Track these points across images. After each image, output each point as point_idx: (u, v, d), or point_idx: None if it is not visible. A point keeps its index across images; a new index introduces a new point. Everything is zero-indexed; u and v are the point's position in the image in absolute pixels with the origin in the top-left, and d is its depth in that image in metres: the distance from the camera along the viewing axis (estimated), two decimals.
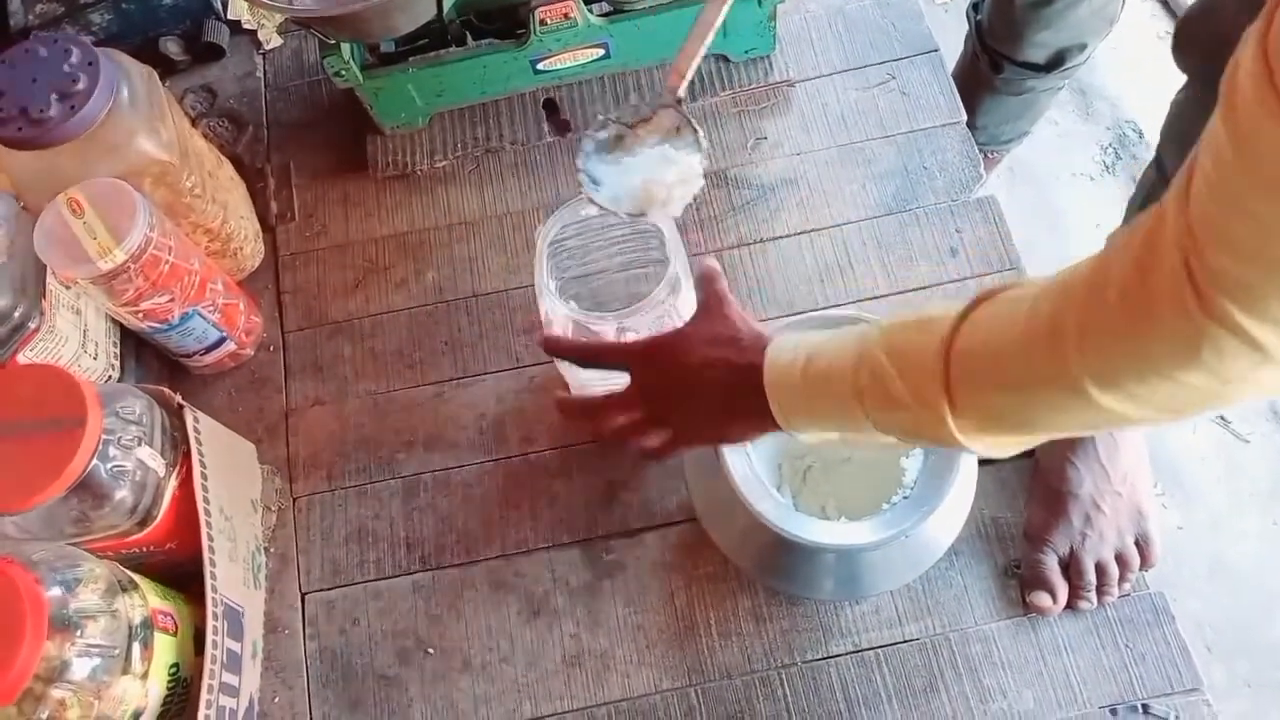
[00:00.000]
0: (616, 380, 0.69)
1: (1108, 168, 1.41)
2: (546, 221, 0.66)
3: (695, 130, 0.64)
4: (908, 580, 0.73)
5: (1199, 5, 0.61)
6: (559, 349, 0.63)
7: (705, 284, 0.62)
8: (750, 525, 0.67)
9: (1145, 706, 0.71)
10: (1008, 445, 0.50)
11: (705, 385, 0.57)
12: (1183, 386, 0.41)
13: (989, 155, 1.13)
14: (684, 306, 0.67)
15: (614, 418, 0.62)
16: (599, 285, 0.77)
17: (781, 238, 0.89)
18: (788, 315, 0.84)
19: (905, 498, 0.67)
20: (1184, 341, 0.39)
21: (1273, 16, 0.32)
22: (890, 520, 0.65)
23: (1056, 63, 1.00)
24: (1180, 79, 0.70)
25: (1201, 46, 0.61)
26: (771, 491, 0.66)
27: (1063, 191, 1.39)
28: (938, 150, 0.92)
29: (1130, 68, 1.44)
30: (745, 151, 0.93)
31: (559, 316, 0.65)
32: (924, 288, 0.86)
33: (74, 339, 0.72)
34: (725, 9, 0.64)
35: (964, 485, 0.69)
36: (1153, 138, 1.42)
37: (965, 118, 0.93)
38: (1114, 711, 0.71)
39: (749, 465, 0.67)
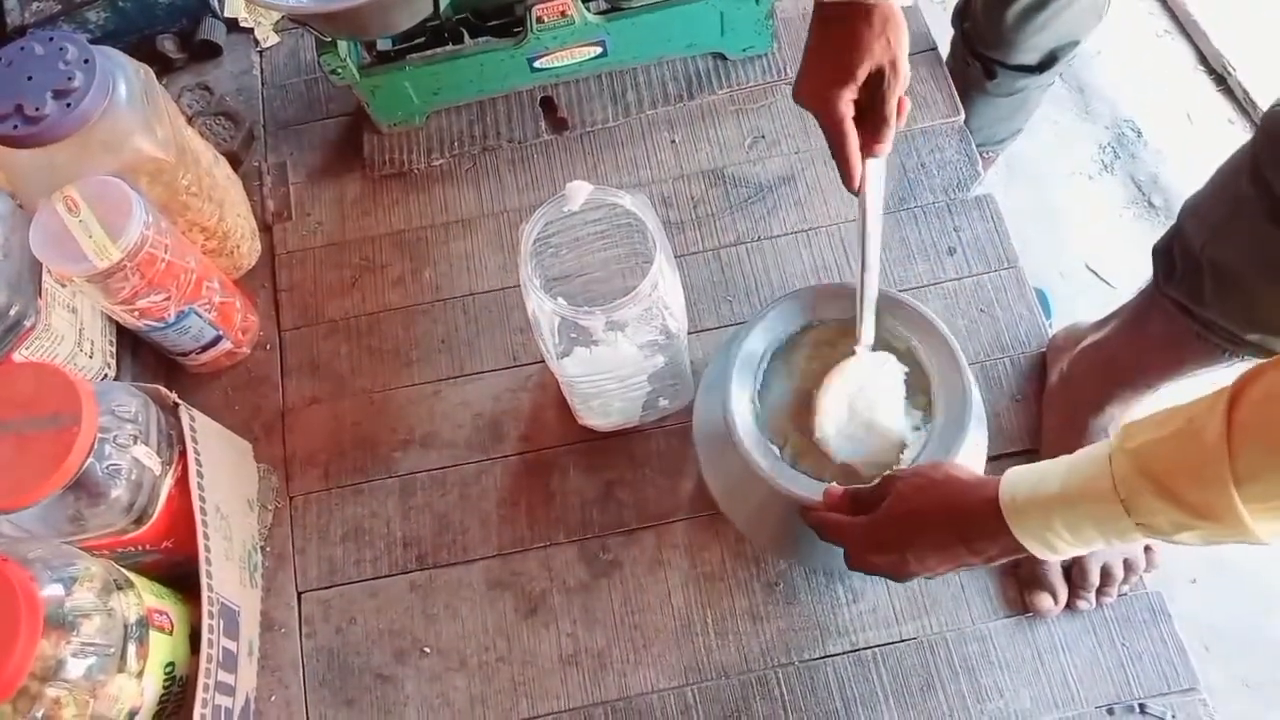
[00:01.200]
0: (604, 376, 0.69)
1: (1106, 167, 1.40)
2: (530, 219, 0.65)
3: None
4: None
5: None
6: (816, 522, 0.62)
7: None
8: (764, 498, 0.67)
9: (1142, 706, 0.71)
10: None
11: (930, 526, 0.57)
12: None
13: (985, 155, 1.12)
14: (670, 298, 0.67)
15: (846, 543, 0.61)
16: (585, 281, 0.77)
17: (778, 236, 0.89)
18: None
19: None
20: None
21: None
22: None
23: (1049, 62, 1.00)
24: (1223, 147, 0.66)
25: None
26: (782, 459, 0.67)
27: (1061, 190, 1.38)
28: (935, 149, 0.91)
29: (1128, 66, 1.44)
30: (743, 150, 0.92)
31: (545, 313, 0.65)
32: (922, 286, 0.86)
33: (70, 337, 0.72)
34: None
35: (972, 453, 0.69)
36: (1151, 136, 1.42)
37: (963, 116, 0.93)
38: (1111, 711, 0.71)
39: (762, 441, 0.67)
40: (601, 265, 0.75)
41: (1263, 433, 0.44)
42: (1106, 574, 0.73)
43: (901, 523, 0.58)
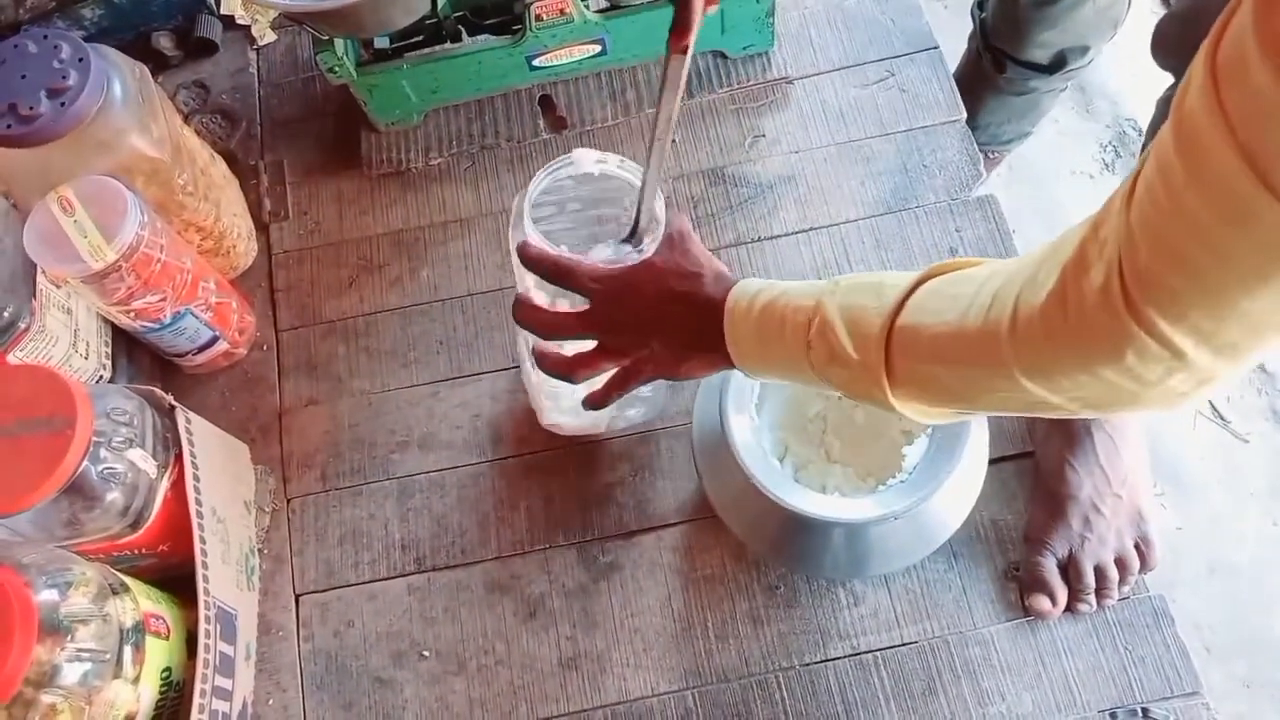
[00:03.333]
0: (575, 346, 0.67)
1: (1108, 166, 1.40)
2: (533, 180, 0.64)
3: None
4: (917, 560, 0.71)
5: (1181, 8, 0.61)
6: (533, 258, 0.61)
7: (672, 220, 0.62)
8: (764, 509, 0.67)
9: (1145, 710, 0.71)
10: (939, 416, 0.53)
11: (667, 317, 0.58)
12: (1106, 385, 0.43)
13: (990, 155, 1.12)
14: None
15: (567, 332, 0.61)
16: (573, 245, 0.76)
17: (779, 236, 0.88)
18: None
19: (911, 475, 0.66)
20: (1110, 343, 0.40)
21: (1221, 34, 0.32)
22: (898, 495, 0.66)
23: (1059, 64, 0.99)
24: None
25: (1180, 48, 0.60)
26: (781, 471, 0.67)
27: (1063, 190, 1.38)
28: (937, 148, 0.91)
29: (1131, 65, 1.43)
30: (743, 149, 0.92)
31: (536, 278, 0.64)
32: None
33: (65, 339, 0.71)
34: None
35: (974, 457, 0.69)
36: None
37: (965, 115, 0.93)
38: (1113, 715, 0.71)
39: (760, 452, 0.67)
40: (588, 225, 0.74)
41: (915, 321, 0.49)
42: (1102, 574, 0.73)
43: (635, 285, 0.58)
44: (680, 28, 0.58)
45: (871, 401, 0.52)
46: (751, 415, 0.69)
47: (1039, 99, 1.06)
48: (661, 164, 0.62)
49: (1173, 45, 0.61)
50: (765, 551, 0.74)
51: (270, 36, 0.99)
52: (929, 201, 0.89)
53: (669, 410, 0.81)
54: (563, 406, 0.74)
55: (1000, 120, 1.09)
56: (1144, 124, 1.42)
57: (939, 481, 0.65)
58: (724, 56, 0.93)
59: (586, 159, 0.63)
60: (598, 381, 0.63)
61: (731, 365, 0.57)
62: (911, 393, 0.51)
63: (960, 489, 0.69)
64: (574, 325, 0.60)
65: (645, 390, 0.74)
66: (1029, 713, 0.71)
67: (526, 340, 0.66)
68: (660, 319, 0.58)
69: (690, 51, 0.59)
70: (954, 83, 0.94)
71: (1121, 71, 1.44)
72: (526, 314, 0.61)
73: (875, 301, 0.50)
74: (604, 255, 0.62)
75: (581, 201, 0.69)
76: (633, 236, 0.64)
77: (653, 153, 0.60)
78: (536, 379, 0.70)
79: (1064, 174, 1.39)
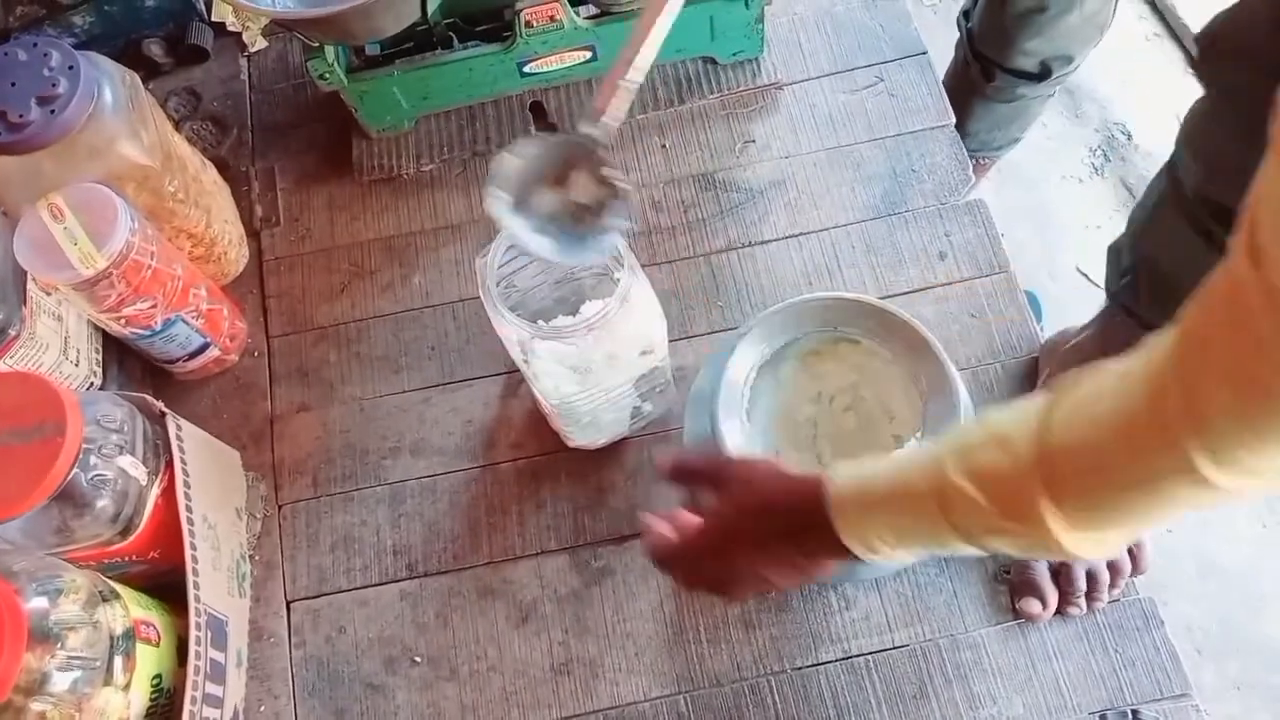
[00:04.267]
0: (597, 392, 0.68)
1: (1096, 170, 1.41)
2: (489, 251, 0.64)
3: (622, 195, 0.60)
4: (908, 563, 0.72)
5: (1227, 20, 0.59)
6: (653, 547, 0.61)
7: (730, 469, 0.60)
8: None
9: (1135, 713, 0.71)
10: (1114, 543, 0.48)
11: (770, 555, 0.56)
12: None
13: (980, 161, 1.13)
14: (643, 305, 0.66)
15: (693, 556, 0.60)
16: (539, 307, 0.76)
17: (770, 241, 0.89)
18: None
19: None
20: None
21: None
22: None
23: (1047, 72, 1.00)
24: (1193, 90, 0.68)
25: (1228, 62, 0.59)
26: None
27: (1052, 193, 1.39)
28: (926, 153, 0.91)
29: (1119, 69, 1.44)
30: (733, 154, 0.92)
31: (523, 339, 0.64)
32: (913, 291, 0.85)
33: (55, 345, 0.71)
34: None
35: None
36: (1142, 139, 1.42)
37: (954, 120, 0.93)
38: (1103, 717, 0.71)
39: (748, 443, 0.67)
40: (564, 276, 0.75)
41: (1071, 444, 0.44)
42: (1093, 578, 0.73)
43: (730, 524, 0.56)
44: None
45: (1045, 555, 0.48)
46: (742, 420, 0.69)
47: (1028, 105, 1.06)
48: (636, 57, 0.60)
49: (1226, 58, 0.59)
50: None
51: (261, 43, 0.99)
52: (918, 206, 0.89)
53: (674, 409, 0.81)
54: (583, 425, 0.75)
55: (989, 127, 1.10)
56: (1132, 127, 1.43)
57: None
58: (714, 62, 0.94)
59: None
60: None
61: (853, 558, 0.53)
62: (1083, 528, 0.45)
63: None
64: (689, 556, 0.59)
65: (660, 385, 0.75)
66: (1020, 715, 0.71)
67: (533, 376, 0.66)
68: (762, 544, 0.56)
69: None
70: (942, 88, 0.94)
71: (1109, 76, 1.45)
72: (649, 542, 0.61)
73: (1007, 456, 0.46)
74: (595, 310, 0.62)
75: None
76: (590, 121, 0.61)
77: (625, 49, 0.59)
78: (552, 410, 0.71)
79: (1054, 178, 1.40)
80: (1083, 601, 0.73)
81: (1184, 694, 0.71)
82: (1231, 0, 0.60)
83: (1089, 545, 0.46)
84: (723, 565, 0.58)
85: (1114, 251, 0.69)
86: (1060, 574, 0.73)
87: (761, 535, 0.56)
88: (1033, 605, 0.73)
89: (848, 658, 0.73)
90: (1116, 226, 1.36)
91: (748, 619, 0.75)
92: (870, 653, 0.73)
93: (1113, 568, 0.74)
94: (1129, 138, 1.42)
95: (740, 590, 0.58)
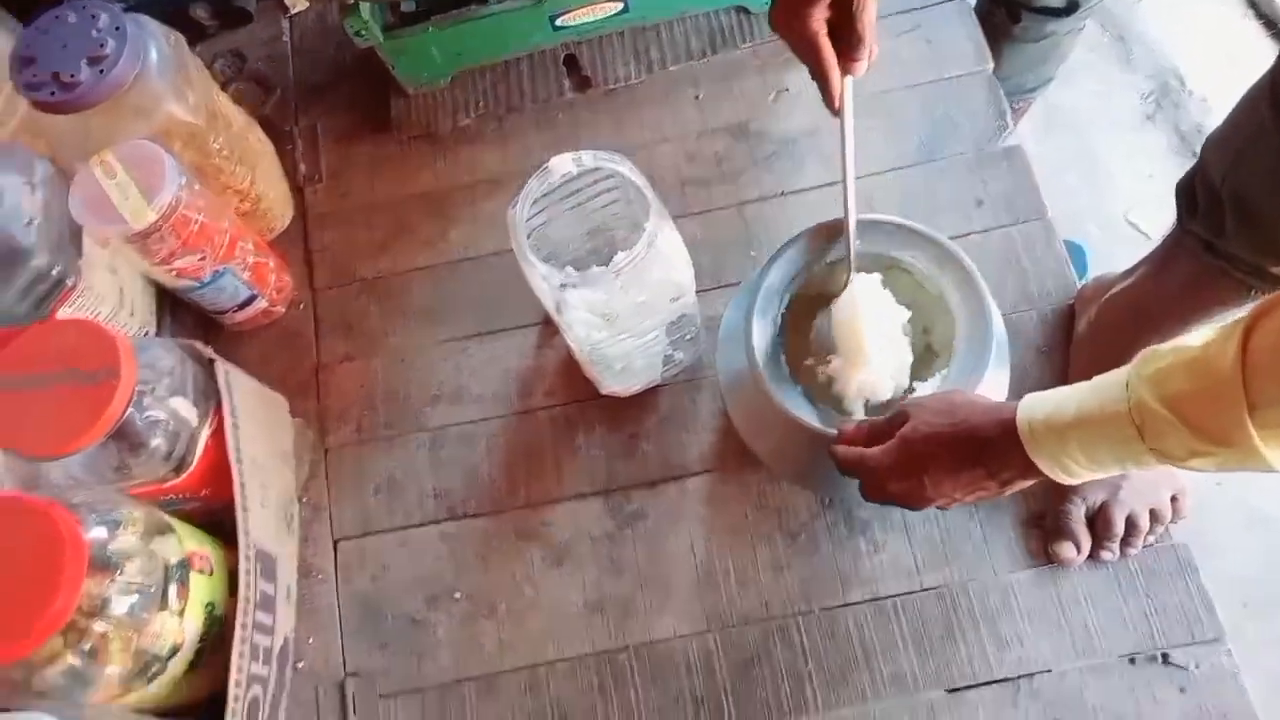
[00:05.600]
0: (628, 337, 0.70)
1: (1149, 117, 1.37)
2: (518, 200, 0.66)
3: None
4: None
5: None
6: (843, 457, 0.63)
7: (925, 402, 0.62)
8: (787, 432, 0.69)
9: (1165, 655, 0.71)
10: None
11: (960, 480, 0.58)
12: None
13: (1015, 105, 1.10)
14: (670, 250, 0.67)
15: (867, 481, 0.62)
16: (582, 246, 0.78)
17: (804, 190, 0.89)
18: None
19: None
20: None
21: None
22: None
23: (1074, 5, 0.97)
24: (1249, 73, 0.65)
25: None
26: (803, 395, 0.68)
27: (1102, 141, 1.35)
28: (963, 100, 0.90)
29: (1172, 13, 1.39)
30: (767, 104, 0.92)
31: (554, 288, 0.66)
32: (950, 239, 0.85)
33: (111, 297, 0.75)
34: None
35: (995, 383, 0.69)
36: (1196, 85, 1.38)
37: (991, 65, 0.92)
38: (1132, 660, 0.71)
39: (781, 378, 0.68)
40: (597, 226, 0.76)
41: (1275, 359, 0.44)
42: (1132, 524, 0.73)
43: (918, 448, 0.58)
44: (824, 95, 0.65)
45: (1246, 468, 0.48)
46: (776, 339, 0.70)
47: (1058, 42, 1.04)
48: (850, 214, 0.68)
49: None
50: (790, 476, 0.76)
51: (302, 4, 1.01)
52: (955, 153, 0.88)
53: (705, 357, 0.82)
54: (616, 371, 0.76)
55: (1021, 69, 1.07)
56: (1185, 72, 1.38)
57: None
58: (747, 12, 0.93)
59: (562, 163, 0.65)
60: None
61: (1041, 476, 0.55)
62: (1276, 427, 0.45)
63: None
64: (877, 472, 0.61)
65: (690, 333, 0.76)
66: (1047, 658, 0.71)
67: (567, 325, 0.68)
68: (951, 469, 0.58)
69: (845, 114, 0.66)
70: (981, 32, 0.92)
71: (1160, 20, 1.40)
72: (843, 456, 0.63)
73: (1206, 381, 0.46)
74: (618, 260, 0.64)
75: (573, 204, 0.71)
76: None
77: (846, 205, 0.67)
78: (585, 357, 0.73)
79: (1104, 125, 1.37)
80: (1116, 546, 0.73)
81: (1216, 639, 0.71)
82: None
83: None
84: (910, 485, 0.59)
85: (1188, 183, 0.68)
86: (1097, 519, 0.73)
87: (952, 461, 0.57)
88: (1067, 549, 0.73)
89: (875, 599, 0.74)
90: (1171, 174, 1.33)
91: (777, 561, 0.76)
92: (898, 594, 0.74)
93: (1154, 515, 0.73)
94: (1182, 84, 1.37)
95: (925, 505, 0.60)
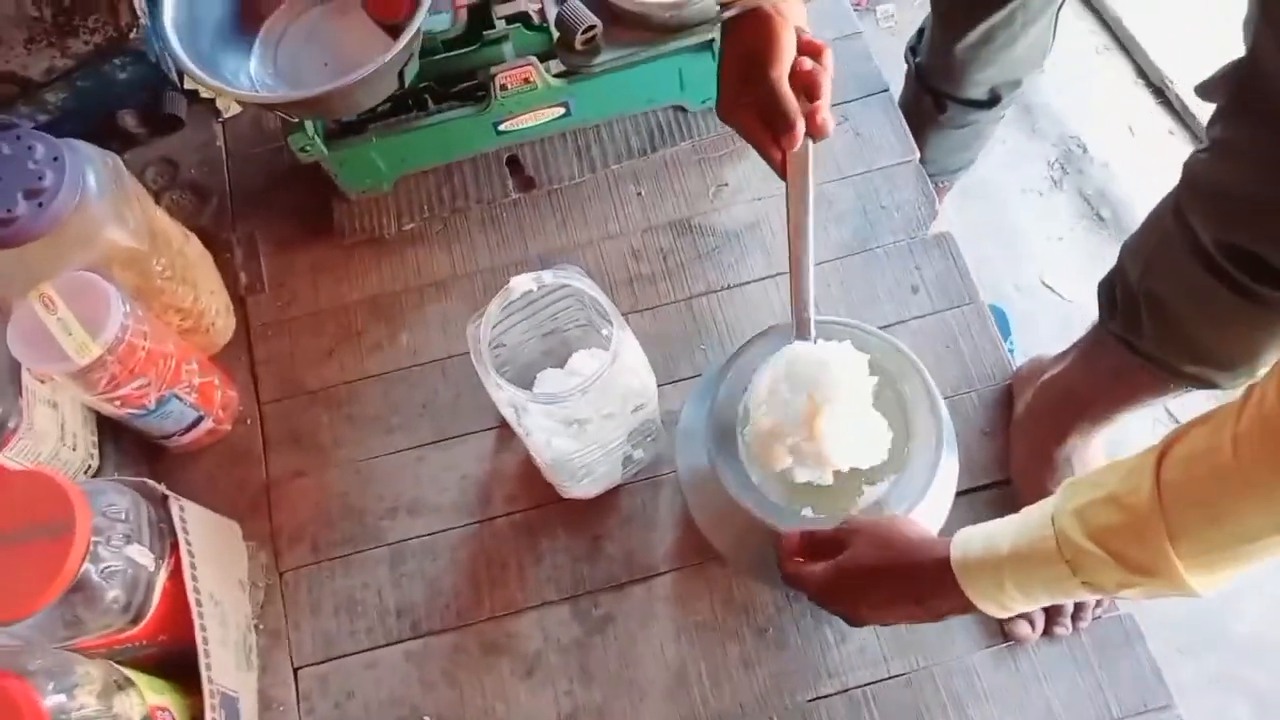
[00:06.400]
0: (592, 448, 0.70)
1: (1055, 183, 1.45)
2: (479, 321, 0.66)
3: None
4: None
5: (1238, 72, 0.60)
6: (786, 572, 0.66)
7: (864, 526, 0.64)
8: (747, 526, 0.70)
9: None
10: (1234, 578, 0.50)
11: (897, 602, 0.61)
12: None
13: (940, 185, 1.16)
14: (632, 359, 0.69)
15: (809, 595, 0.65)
16: (528, 360, 0.79)
17: (748, 283, 0.91)
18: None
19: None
20: None
21: None
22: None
23: (996, 98, 1.04)
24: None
25: (1250, 116, 0.59)
26: (765, 494, 0.69)
27: (1014, 208, 1.43)
28: (894, 189, 0.94)
29: (1070, 84, 1.49)
30: (708, 199, 0.95)
31: (516, 403, 0.66)
32: (889, 325, 0.88)
33: (52, 434, 0.72)
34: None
35: (948, 471, 0.72)
36: (1097, 151, 1.47)
37: (918, 155, 0.96)
38: None
39: (739, 469, 0.70)
40: (552, 330, 0.77)
41: (1187, 490, 0.47)
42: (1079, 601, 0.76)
43: (854, 580, 0.61)
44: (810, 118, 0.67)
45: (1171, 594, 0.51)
46: (741, 438, 0.71)
47: (980, 129, 1.10)
48: (808, 268, 0.70)
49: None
50: (751, 571, 0.77)
51: (235, 108, 1.00)
52: (888, 241, 0.92)
53: (665, 454, 0.83)
54: (578, 479, 0.76)
55: (945, 153, 1.13)
56: (1086, 139, 1.47)
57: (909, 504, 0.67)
58: (684, 110, 0.96)
59: (523, 283, 0.67)
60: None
61: (974, 610, 0.58)
62: (1206, 569, 0.49)
63: (928, 517, 0.71)
64: (816, 593, 0.64)
65: (651, 433, 0.77)
66: None
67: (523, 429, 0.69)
68: (888, 600, 0.61)
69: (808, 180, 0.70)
70: (905, 123, 0.97)
71: (1062, 91, 1.49)
72: (785, 571, 0.66)
73: (1125, 515, 0.49)
74: (585, 363, 0.65)
75: (531, 313, 0.73)
76: (801, 331, 0.71)
77: (797, 259, 0.70)
78: (543, 463, 0.73)
79: (1014, 192, 1.44)
80: (1069, 622, 0.76)
81: (1167, 705, 0.75)
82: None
83: (1216, 585, 0.49)
84: (847, 609, 0.63)
85: (1108, 285, 0.72)
86: None
87: (888, 595, 0.60)
88: (1022, 628, 0.76)
89: (846, 690, 0.76)
90: (1078, 237, 1.42)
91: (747, 658, 0.77)
92: (867, 684, 0.76)
93: None
94: (1084, 150, 1.46)
95: (862, 625, 0.64)
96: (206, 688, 0.64)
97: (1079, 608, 0.76)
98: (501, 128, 0.89)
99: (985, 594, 0.56)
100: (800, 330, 0.71)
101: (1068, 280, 1.37)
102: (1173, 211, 0.63)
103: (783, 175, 0.70)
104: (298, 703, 0.77)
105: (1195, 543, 0.47)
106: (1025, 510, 0.56)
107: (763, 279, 0.91)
